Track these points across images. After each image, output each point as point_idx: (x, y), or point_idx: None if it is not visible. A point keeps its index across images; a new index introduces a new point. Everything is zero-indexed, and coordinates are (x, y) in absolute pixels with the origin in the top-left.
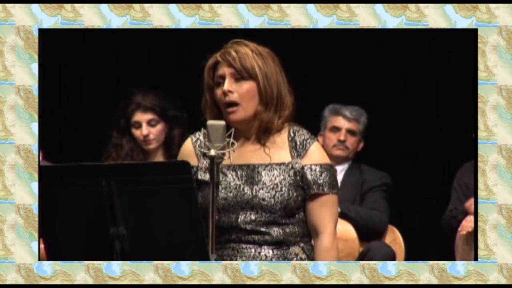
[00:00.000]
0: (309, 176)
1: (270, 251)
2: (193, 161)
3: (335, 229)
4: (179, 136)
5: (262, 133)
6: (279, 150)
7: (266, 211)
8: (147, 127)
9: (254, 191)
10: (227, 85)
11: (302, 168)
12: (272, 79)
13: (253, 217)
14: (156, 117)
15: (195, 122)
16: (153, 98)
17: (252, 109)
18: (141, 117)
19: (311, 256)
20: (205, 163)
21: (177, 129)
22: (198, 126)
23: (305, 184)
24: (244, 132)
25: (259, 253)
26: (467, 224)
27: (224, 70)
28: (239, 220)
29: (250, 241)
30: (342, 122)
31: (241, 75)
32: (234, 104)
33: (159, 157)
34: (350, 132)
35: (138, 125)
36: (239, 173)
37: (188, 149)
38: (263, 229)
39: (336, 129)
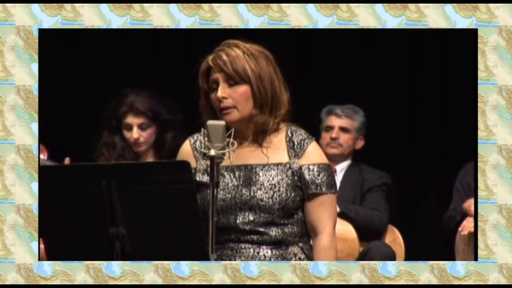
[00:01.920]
0: (307, 176)
1: (269, 251)
2: (191, 163)
3: (334, 229)
4: (171, 139)
5: (259, 134)
6: (276, 150)
7: (264, 211)
8: (138, 131)
9: (252, 191)
10: (221, 91)
11: (300, 168)
12: (266, 80)
13: (251, 217)
14: (148, 121)
15: (191, 123)
16: (145, 101)
17: (247, 111)
18: (133, 120)
19: (310, 256)
20: (203, 164)
21: (169, 132)
22: (195, 127)
23: (303, 184)
24: (241, 133)
25: (258, 253)
26: (469, 224)
27: (217, 75)
28: (237, 221)
29: (249, 241)
30: (334, 121)
31: (234, 79)
32: (229, 108)
33: (149, 158)
34: (342, 129)
35: (129, 128)
36: (237, 174)
37: (187, 151)
38: (261, 229)
39: (329, 128)
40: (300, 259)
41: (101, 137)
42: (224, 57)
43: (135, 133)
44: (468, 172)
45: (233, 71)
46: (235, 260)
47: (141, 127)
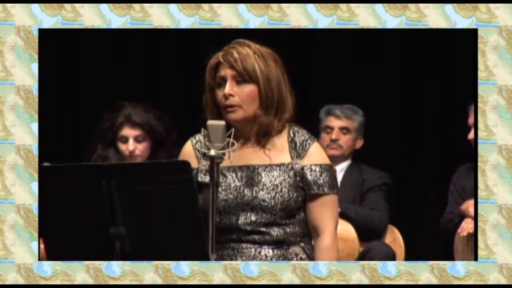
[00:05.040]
0: (309, 177)
1: (270, 251)
2: (193, 163)
3: (336, 229)
4: (165, 157)
5: (262, 136)
6: (279, 151)
7: (266, 212)
8: (134, 143)
9: (254, 192)
10: (228, 88)
11: (302, 168)
12: (273, 82)
13: (253, 218)
14: (144, 134)
15: (191, 123)
16: (143, 114)
17: (252, 111)
18: (129, 132)
19: (311, 256)
20: (205, 165)
21: (163, 150)
22: (194, 130)
23: (305, 185)
24: (244, 133)
25: (259, 252)
26: (467, 225)
27: (226, 71)
28: (239, 221)
29: (250, 241)
30: (333, 121)
31: (242, 77)
32: (234, 106)
33: None
34: (342, 130)
35: (125, 140)
36: (239, 174)
37: (188, 151)
38: (263, 229)
39: (329, 128)
40: (301, 259)
41: (95, 150)
42: (235, 55)
43: (131, 145)
44: (461, 175)
45: (242, 68)
46: (236, 259)
47: (137, 139)
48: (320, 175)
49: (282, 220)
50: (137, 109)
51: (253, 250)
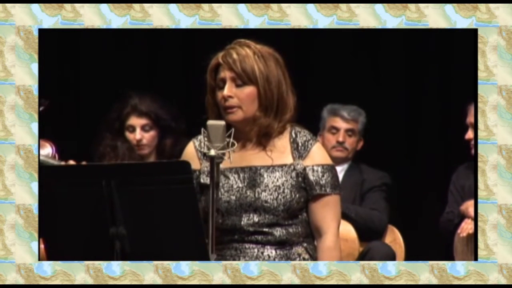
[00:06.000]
0: (311, 177)
1: (273, 251)
2: (195, 165)
3: (338, 230)
4: (170, 145)
5: (262, 137)
6: (280, 151)
7: (269, 213)
8: (141, 132)
9: (256, 193)
10: (227, 90)
11: (304, 169)
12: (273, 82)
13: (256, 219)
14: (150, 123)
15: (193, 131)
16: (149, 103)
17: (251, 112)
18: (136, 121)
19: (314, 256)
20: (207, 166)
21: (169, 138)
22: (195, 130)
23: (307, 185)
24: (245, 134)
25: (262, 253)
26: (467, 226)
27: (225, 73)
28: (242, 222)
29: (253, 241)
30: (340, 123)
31: (242, 79)
32: (233, 107)
33: None
34: (348, 132)
35: (132, 129)
36: (241, 175)
37: (190, 152)
38: (266, 230)
39: (334, 130)
40: (304, 259)
41: (103, 140)
42: (234, 56)
43: (138, 134)
44: (460, 174)
45: (241, 70)
46: (239, 260)
47: (144, 128)
48: (322, 176)
49: (285, 221)
50: (144, 98)
51: (256, 250)
